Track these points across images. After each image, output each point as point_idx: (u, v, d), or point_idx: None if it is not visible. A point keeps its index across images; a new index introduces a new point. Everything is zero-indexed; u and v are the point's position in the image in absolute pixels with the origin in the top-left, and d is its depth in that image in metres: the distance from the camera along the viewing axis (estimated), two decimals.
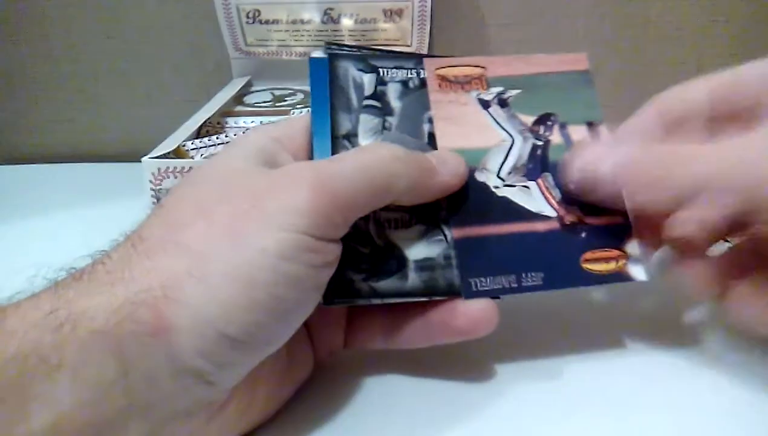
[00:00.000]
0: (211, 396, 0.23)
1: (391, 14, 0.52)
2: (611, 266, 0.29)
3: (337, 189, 0.24)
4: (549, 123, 0.31)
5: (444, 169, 0.27)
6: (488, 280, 0.28)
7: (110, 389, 0.21)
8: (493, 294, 0.28)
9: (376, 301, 0.27)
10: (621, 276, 0.29)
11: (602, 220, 0.29)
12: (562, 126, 0.31)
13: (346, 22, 0.53)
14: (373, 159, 0.25)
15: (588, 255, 0.29)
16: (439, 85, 0.30)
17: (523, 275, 0.28)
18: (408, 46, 0.53)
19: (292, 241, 0.23)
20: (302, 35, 0.54)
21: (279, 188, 0.24)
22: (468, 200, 0.28)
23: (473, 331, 0.27)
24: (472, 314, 0.27)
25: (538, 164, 0.30)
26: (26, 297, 0.22)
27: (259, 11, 0.53)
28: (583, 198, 0.29)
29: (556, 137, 0.30)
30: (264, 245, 0.22)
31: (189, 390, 0.22)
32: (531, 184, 0.29)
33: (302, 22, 0.53)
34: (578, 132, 0.31)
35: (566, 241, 0.29)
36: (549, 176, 0.30)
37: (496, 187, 0.29)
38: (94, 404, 0.21)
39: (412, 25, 0.53)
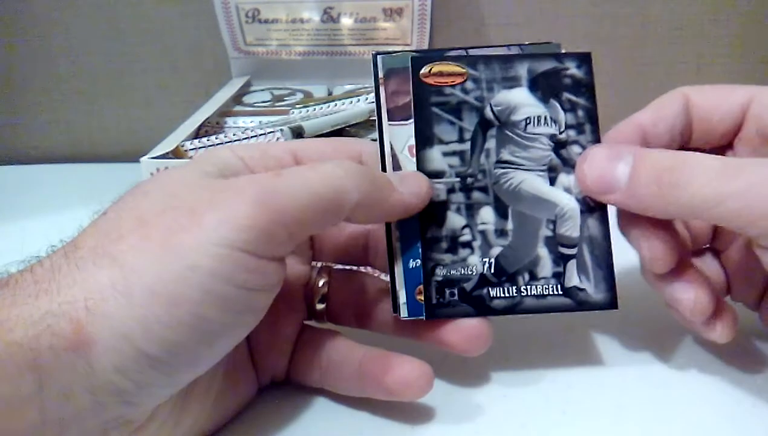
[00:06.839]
0: (130, 415, 0.22)
1: (391, 13, 0.52)
2: None
3: (282, 204, 0.23)
4: None
5: (404, 187, 0.26)
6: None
7: (24, 405, 0.20)
8: None
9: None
10: None
11: None
12: None
13: (346, 21, 0.53)
14: (322, 175, 0.24)
15: None
16: None
17: None
18: (408, 45, 0.53)
19: (226, 258, 0.22)
20: (302, 34, 0.53)
21: (219, 202, 0.23)
22: None
23: (403, 392, 0.26)
24: (405, 373, 0.26)
25: None
26: None
27: (258, 10, 0.53)
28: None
29: None
30: (194, 260, 0.21)
31: (106, 408, 0.21)
32: None
33: (302, 21, 0.53)
34: None
35: None
36: None
37: None
38: (6, 419, 0.20)
39: (412, 24, 0.52)
